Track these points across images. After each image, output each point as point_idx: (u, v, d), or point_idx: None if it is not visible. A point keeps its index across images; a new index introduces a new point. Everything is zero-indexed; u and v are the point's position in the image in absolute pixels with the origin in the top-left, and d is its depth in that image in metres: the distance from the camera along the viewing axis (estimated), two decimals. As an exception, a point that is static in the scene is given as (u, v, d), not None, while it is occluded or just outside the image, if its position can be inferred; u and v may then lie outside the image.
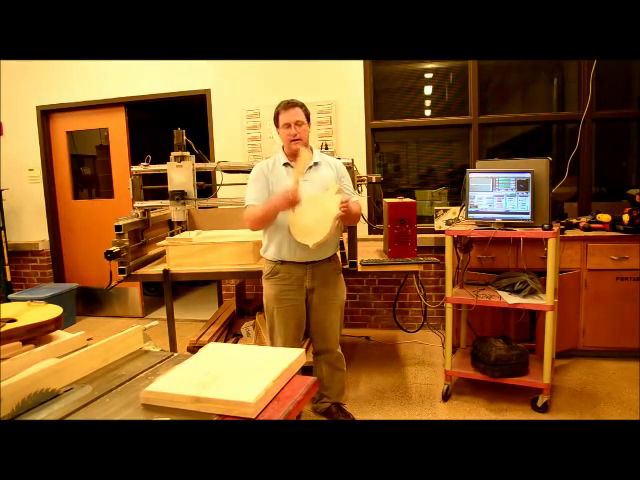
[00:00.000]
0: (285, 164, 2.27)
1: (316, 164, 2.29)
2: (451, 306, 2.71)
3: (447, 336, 2.74)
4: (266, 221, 2.23)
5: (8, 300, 4.18)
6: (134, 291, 4.61)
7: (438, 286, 3.81)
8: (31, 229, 4.64)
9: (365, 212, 3.61)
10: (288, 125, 2.20)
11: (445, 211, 3.58)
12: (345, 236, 2.89)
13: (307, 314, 2.39)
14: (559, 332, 2.93)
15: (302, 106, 2.24)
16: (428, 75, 3.94)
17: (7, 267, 4.41)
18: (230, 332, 3.42)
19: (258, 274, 2.47)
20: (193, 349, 2.99)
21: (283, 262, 2.28)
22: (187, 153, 2.82)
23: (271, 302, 2.33)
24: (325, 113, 3.87)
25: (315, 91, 3.85)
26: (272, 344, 2.39)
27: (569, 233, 3.13)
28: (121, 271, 2.72)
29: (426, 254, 3.52)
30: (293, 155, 2.27)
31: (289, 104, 2.21)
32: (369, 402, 2.76)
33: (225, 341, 3.27)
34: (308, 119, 2.27)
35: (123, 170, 4.40)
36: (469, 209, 2.70)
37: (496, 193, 2.61)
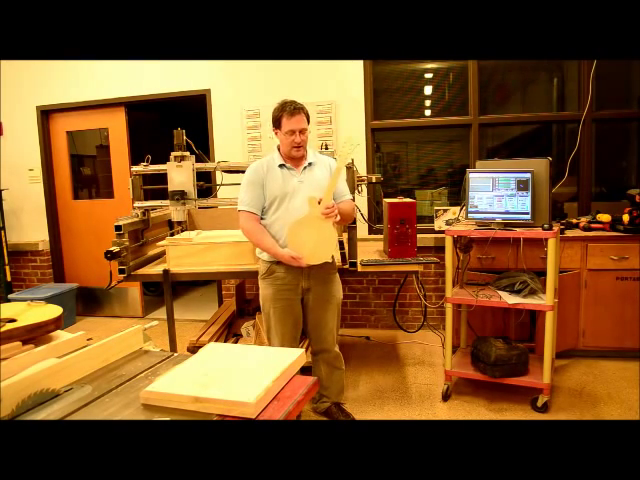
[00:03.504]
0: (280, 165, 2.27)
1: (310, 164, 2.29)
2: (451, 306, 2.71)
3: (447, 336, 2.74)
4: (261, 249, 2.32)
5: (8, 300, 4.18)
6: (134, 291, 4.61)
7: (438, 286, 3.81)
8: (31, 229, 4.64)
9: (365, 212, 3.61)
10: (292, 132, 2.18)
11: (445, 211, 3.58)
12: (345, 236, 2.89)
13: (304, 314, 2.39)
14: (559, 332, 2.93)
15: (305, 111, 2.22)
16: (428, 75, 3.94)
17: (7, 267, 4.41)
18: (230, 332, 3.42)
19: (258, 274, 2.47)
20: (193, 349, 2.99)
21: (279, 262, 2.28)
22: (187, 153, 2.82)
23: (267, 302, 2.34)
24: (325, 113, 3.87)
25: (315, 91, 3.85)
26: (270, 343, 2.40)
27: (569, 233, 3.13)
28: (121, 271, 2.72)
29: (426, 254, 3.52)
30: (290, 157, 2.27)
31: (295, 109, 2.17)
32: (369, 402, 2.76)
33: (225, 341, 3.27)
34: (308, 121, 2.26)
35: (123, 170, 4.40)
36: (469, 209, 2.70)
37: (496, 193, 2.61)
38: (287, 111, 2.17)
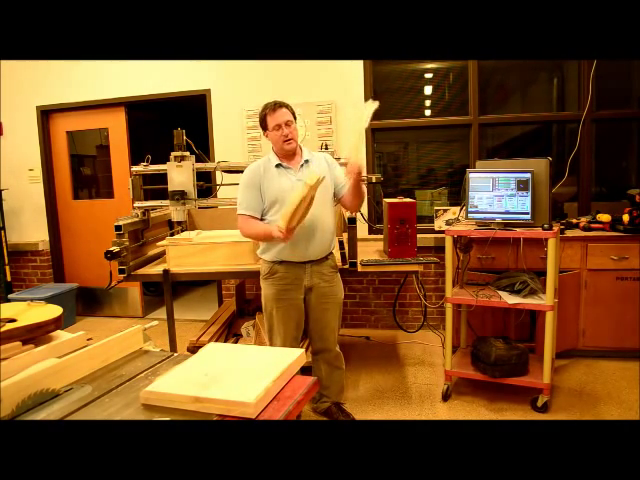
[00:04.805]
0: (277, 165, 2.27)
1: (307, 162, 2.30)
2: (451, 306, 2.71)
3: (447, 336, 2.74)
4: (262, 241, 2.31)
5: (8, 300, 4.18)
6: (134, 291, 4.61)
7: (438, 286, 3.81)
8: (31, 229, 4.64)
9: (365, 212, 3.61)
10: (279, 126, 2.20)
11: (445, 211, 3.58)
12: (345, 236, 2.89)
13: (305, 313, 2.39)
14: (559, 332, 2.93)
15: (288, 106, 2.25)
16: (428, 75, 3.94)
17: (7, 267, 4.41)
18: (230, 332, 3.42)
19: (258, 274, 2.47)
20: (193, 349, 2.99)
21: (282, 262, 2.28)
22: (187, 153, 2.82)
23: (270, 302, 2.34)
24: (325, 113, 3.87)
25: (315, 91, 3.85)
26: (271, 344, 2.39)
27: (569, 233, 3.13)
28: (121, 271, 2.72)
29: (426, 254, 3.53)
30: (285, 156, 2.28)
31: (276, 105, 2.21)
32: (369, 402, 2.76)
33: (225, 341, 3.27)
34: (294, 117, 2.27)
35: (123, 170, 4.40)
36: (469, 209, 2.70)
37: (496, 193, 2.61)
38: (269, 108, 2.22)
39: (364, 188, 2.32)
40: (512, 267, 3.05)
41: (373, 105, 2.05)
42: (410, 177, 4.13)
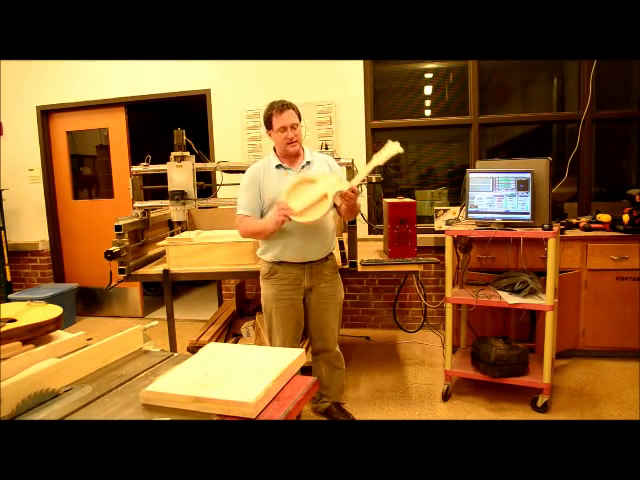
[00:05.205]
0: (277, 166, 2.27)
1: (308, 163, 2.29)
2: (451, 306, 2.71)
3: (447, 336, 2.74)
4: (260, 236, 2.28)
5: (8, 300, 4.18)
6: (134, 291, 4.61)
7: (438, 286, 3.81)
8: (31, 229, 4.64)
9: (365, 212, 3.61)
10: (284, 128, 2.18)
11: (445, 211, 3.58)
12: (345, 236, 2.89)
13: (305, 313, 2.39)
14: (559, 332, 2.93)
15: (294, 107, 2.23)
16: (428, 75, 3.94)
17: (7, 267, 4.41)
18: (230, 332, 3.42)
19: (258, 274, 2.47)
20: (193, 349, 2.99)
21: (281, 262, 2.28)
22: (187, 153, 2.82)
23: (270, 302, 2.33)
24: (325, 113, 3.87)
25: (315, 91, 3.85)
26: (271, 344, 2.39)
27: (569, 233, 3.13)
28: (121, 271, 2.72)
29: (426, 254, 3.52)
30: (286, 157, 2.27)
31: (283, 106, 2.18)
32: (369, 402, 2.76)
33: (225, 341, 3.27)
34: (300, 119, 2.26)
35: (123, 170, 4.41)
36: (469, 209, 2.70)
37: (496, 193, 2.61)
38: (276, 109, 2.19)
39: (359, 202, 2.32)
40: (512, 267, 3.05)
41: (396, 148, 2.07)
42: (410, 177, 4.13)
